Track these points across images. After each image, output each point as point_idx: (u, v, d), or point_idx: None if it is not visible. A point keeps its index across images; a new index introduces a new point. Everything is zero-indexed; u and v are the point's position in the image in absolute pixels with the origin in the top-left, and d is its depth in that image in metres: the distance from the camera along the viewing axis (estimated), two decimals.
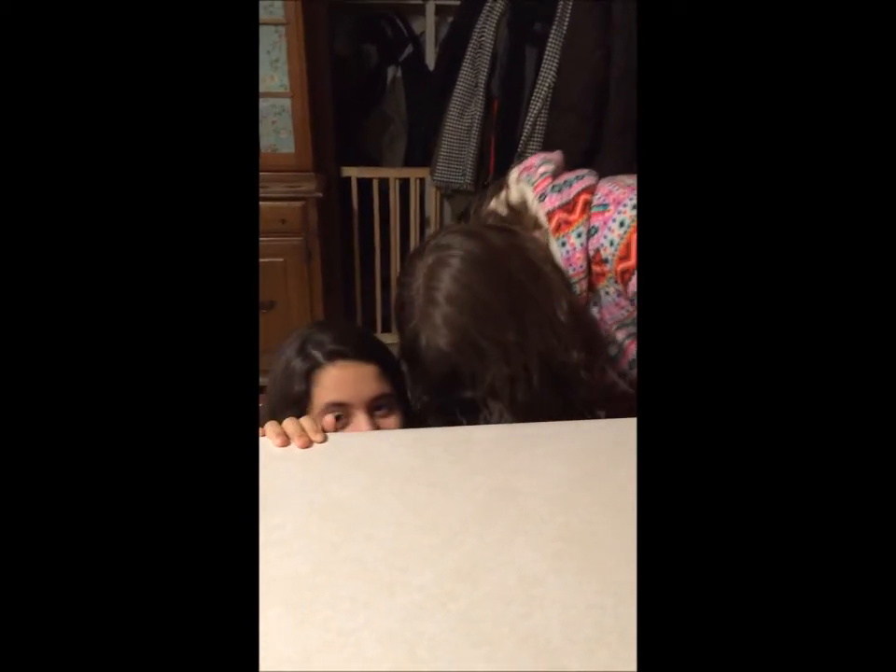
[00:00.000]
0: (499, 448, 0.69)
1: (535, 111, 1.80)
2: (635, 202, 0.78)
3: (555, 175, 0.84)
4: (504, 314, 0.75)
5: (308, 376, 0.77)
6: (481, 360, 0.75)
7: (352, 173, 2.35)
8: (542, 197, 0.83)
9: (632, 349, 0.86)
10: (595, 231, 0.80)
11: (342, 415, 0.78)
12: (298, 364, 0.79)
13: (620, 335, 0.85)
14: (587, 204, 0.80)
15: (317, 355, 0.79)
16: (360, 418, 0.78)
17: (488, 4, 1.87)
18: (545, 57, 1.80)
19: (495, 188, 0.90)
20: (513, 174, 0.88)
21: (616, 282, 0.81)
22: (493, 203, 0.88)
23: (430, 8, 2.46)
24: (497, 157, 1.86)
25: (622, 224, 0.78)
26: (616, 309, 0.83)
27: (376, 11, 2.49)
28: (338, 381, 0.78)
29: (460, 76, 1.95)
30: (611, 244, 0.78)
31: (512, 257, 0.78)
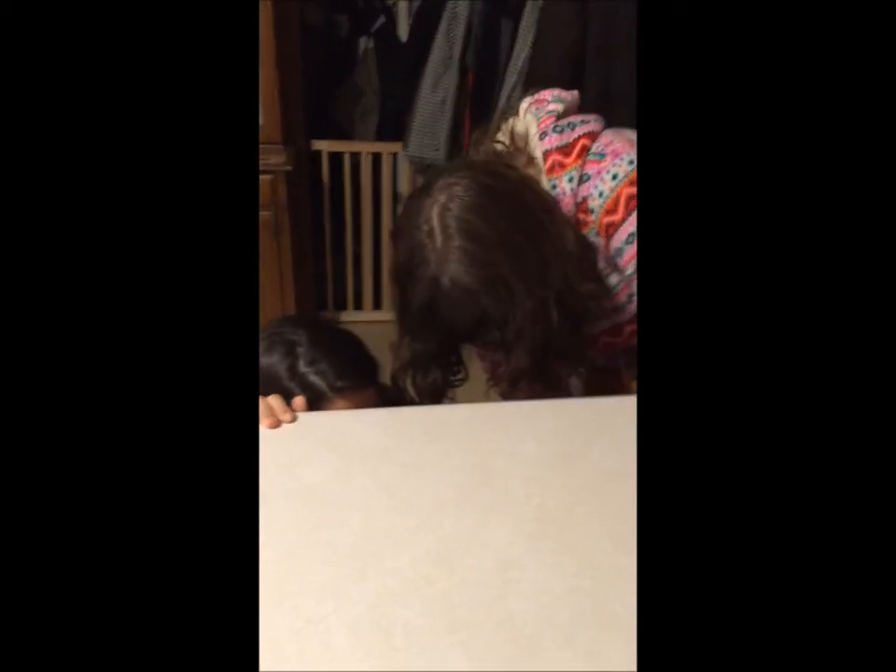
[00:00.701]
0: (475, 427, 0.68)
1: (510, 84, 1.77)
2: (632, 157, 0.76)
3: (561, 115, 0.82)
4: (527, 246, 0.72)
5: (314, 407, 0.74)
6: (511, 297, 0.72)
7: (322, 146, 2.29)
8: (543, 135, 0.80)
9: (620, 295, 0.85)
10: (587, 179, 0.78)
11: None
12: (295, 388, 0.75)
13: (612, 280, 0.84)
14: (584, 150, 0.78)
15: (321, 385, 0.76)
16: None
17: None
18: (520, 29, 1.76)
19: (503, 114, 0.87)
20: (525, 103, 0.85)
21: (598, 234, 0.79)
22: (499, 134, 0.85)
23: None
24: (472, 131, 1.83)
25: (614, 177, 0.76)
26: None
27: None
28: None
29: (434, 47, 1.90)
30: (600, 194, 0.77)
31: (525, 189, 0.76)
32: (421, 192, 0.76)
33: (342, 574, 0.49)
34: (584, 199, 0.78)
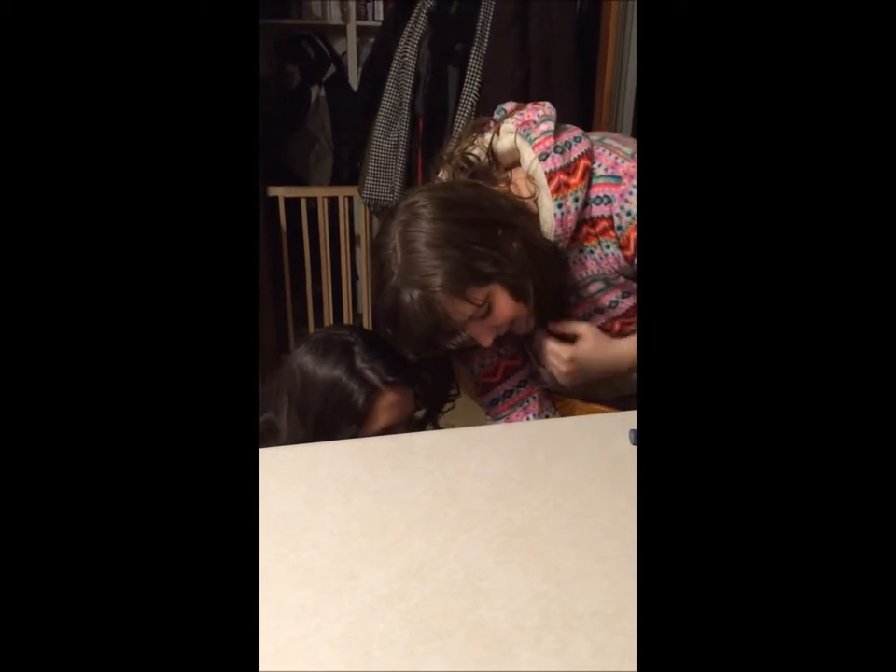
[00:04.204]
0: (441, 452, 0.71)
1: (460, 129, 1.84)
2: None
3: (556, 134, 0.85)
4: (485, 245, 0.78)
5: (369, 397, 0.87)
6: (478, 279, 0.78)
7: (278, 192, 2.33)
8: (545, 156, 0.84)
9: (604, 299, 0.91)
10: (609, 201, 0.83)
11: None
12: (354, 385, 0.86)
13: (592, 287, 0.90)
14: (587, 170, 0.83)
15: (375, 380, 0.87)
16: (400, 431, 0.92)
17: (409, 25, 1.90)
18: (467, 77, 1.85)
19: (473, 128, 0.90)
20: (508, 123, 0.87)
21: (619, 245, 0.85)
22: (474, 148, 0.88)
23: (352, 30, 2.49)
24: (425, 173, 1.89)
25: None
26: (594, 265, 0.88)
27: (297, 32, 2.49)
28: (392, 404, 0.89)
29: (384, 95, 1.97)
30: (628, 213, 0.83)
31: (482, 200, 0.82)
32: (389, 214, 0.82)
33: (319, 595, 0.51)
34: (602, 217, 0.84)
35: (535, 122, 0.86)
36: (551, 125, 0.85)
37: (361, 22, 2.49)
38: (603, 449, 0.71)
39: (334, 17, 2.49)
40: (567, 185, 0.83)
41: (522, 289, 0.81)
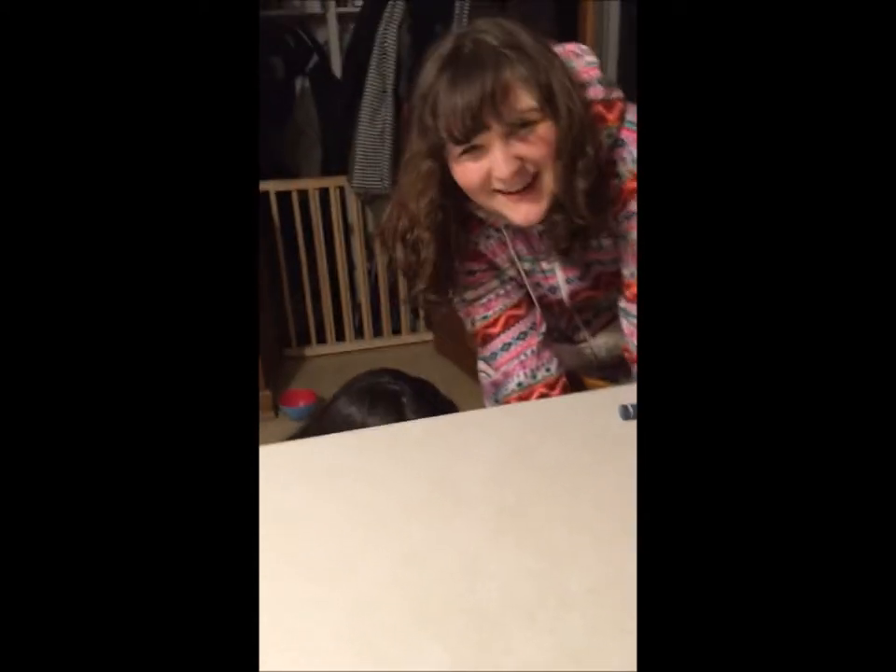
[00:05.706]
0: (434, 440, 0.72)
1: None
2: None
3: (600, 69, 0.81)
4: (557, 62, 0.75)
5: None
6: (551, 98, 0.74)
7: (269, 187, 2.34)
8: (587, 84, 0.79)
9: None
10: (622, 144, 0.80)
11: None
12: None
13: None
14: (622, 113, 0.80)
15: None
16: None
17: (387, 9, 1.89)
18: None
19: None
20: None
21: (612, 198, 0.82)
22: None
23: (332, 17, 2.47)
24: None
25: None
26: None
27: (277, 23, 2.48)
28: None
29: (368, 82, 1.97)
30: (634, 161, 0.80)
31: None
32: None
33: (321, 587, 0.53)
34: (613, 161, 0.80)
35: (577, 54, 0.82)
36: (595, 59, 0.82)
37: (341, 9, 2.47)
38: (593, 426, 0.72)
39: (314, 6, 2.47)
40: (604, 119, 0.79)
41: (568, 142, 0.74)
